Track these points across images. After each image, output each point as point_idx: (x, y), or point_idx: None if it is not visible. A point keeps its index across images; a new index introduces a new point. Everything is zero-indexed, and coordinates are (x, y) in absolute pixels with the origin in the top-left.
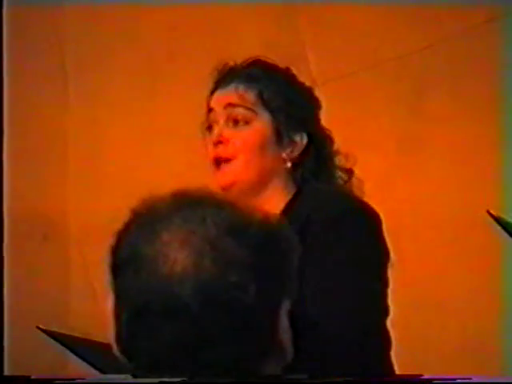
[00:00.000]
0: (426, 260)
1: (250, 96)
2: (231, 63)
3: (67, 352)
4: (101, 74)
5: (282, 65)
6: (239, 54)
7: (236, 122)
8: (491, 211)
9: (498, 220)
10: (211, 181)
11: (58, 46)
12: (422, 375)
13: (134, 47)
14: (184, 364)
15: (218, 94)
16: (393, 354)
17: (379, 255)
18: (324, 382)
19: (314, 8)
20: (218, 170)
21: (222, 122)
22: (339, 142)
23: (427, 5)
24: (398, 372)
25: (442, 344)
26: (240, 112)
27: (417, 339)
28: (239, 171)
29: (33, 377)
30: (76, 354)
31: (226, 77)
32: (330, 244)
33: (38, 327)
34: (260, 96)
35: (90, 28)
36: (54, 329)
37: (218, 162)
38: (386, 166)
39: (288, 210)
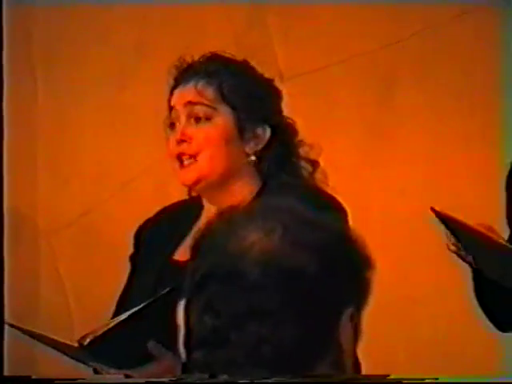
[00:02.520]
0: (395, 254)
1: (209, 92)
2: (188, 59)
3: None
4: (70, 68)
5: (245, 60)
6: (208, 50)
7: (197, 119)
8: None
9: (440, 216)
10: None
11: (25, 42)
12: (388, 375)
13: (102, 42)
14: None
15: (178, 91)
16: (362, 351)
17: None
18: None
19: (283, 5)
20: (181, 166)
21: (183, 119)
22: (308, 136)
23: (396, 1)
24: (365, 370)
25: (412, 342)
26: (200, 109)
27: (387, 337)
28: (203, 168)
29: (33, 377)
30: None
31: (184, 73)
32: None
33: (8, 323)
34: (219, 91)
35: (58, 23)
36: (39, 325)
37: (181, 158)
38: (356, 160)
39: None
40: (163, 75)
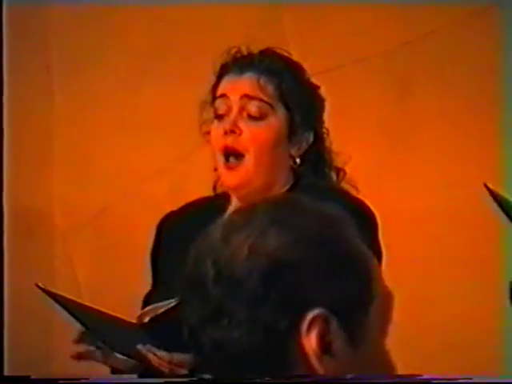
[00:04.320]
0: (417, 257)
1: (270, 89)
2: (243, 49)
3: (68, 351)
4: (85, 68)
5: (299, 62)
6: (221, 50)
7: (251, 115)
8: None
9: (494, 195)
10: (202, 174)
11: (43, 43)
12: (421, 375)
13: (119, 44)
14: None
15: (231, 80)
16: (394, 351)
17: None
18: (318, 381)
19: (299, 5)
20: (226, 166)
21: (235, 110)
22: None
23: (411, 1)
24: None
25: (433, 343)
26: (256, 105)
27: (409, 337)
28: (250, 171)
29: (33, 377)
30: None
31: (238, 63)
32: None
33: (37, 285)
34: (279, 90)
35: (76, 25)
36: (39, 325)
37: (227, 153)
38: (373, 159)
39: None
40: (179, 76)
